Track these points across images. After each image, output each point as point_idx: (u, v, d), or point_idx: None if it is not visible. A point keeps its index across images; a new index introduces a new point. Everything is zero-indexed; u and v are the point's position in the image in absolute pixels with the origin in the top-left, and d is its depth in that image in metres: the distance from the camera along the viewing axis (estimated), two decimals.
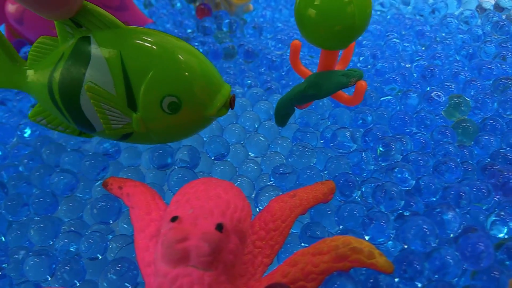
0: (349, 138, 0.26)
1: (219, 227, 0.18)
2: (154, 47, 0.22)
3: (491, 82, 0.31)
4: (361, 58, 0.34)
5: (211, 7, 0.42)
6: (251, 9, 0.42)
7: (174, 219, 0.18)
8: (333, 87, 0.23)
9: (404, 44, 0.36)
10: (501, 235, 0.22)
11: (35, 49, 0.25)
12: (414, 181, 0.24)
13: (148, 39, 0.22)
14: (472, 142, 0.28)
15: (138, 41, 0.22)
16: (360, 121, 0.29)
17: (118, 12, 0.39)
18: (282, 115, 0.27)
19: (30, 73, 0.25)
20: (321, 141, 0.28)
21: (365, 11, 0.21)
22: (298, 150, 0.26)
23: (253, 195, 0.25)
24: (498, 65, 0.32)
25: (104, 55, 0.22)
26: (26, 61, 0.25)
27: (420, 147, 0.27)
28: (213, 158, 0.27)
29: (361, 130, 0.28)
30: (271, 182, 0.25)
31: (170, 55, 0.22)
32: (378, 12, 0.42)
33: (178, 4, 0.44)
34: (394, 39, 0.35)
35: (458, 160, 0.26)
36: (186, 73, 0.22)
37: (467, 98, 0.29)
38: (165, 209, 0.21)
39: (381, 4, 0.42)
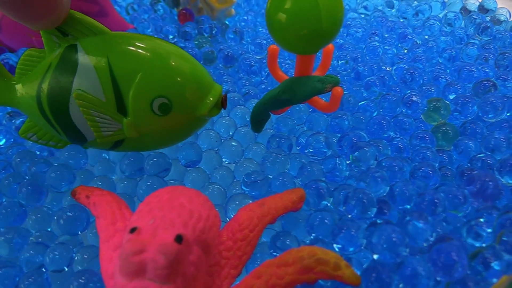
0: (323, 143, 0.26)
1: (178, 239, 0.17)
2: (140, 50, 0.22)
3: (471, 84, 0.30)
4: (340, 62, 0.34)
5: (193, 12, 0.42)
6: (233, 13, 0.41)
7: (133, 230, 0.18)
8: (307, 92, 0.23)
9: (385, 47, 0.35)
10: (477, 244, 0.21)
11: (23, 62, 0.24)
12: (388, 188, 0.23)
13: (134, 42, 0.22)
14: (452, 147, 0.27)
15: (125, 46, 0.22)
16: (337, 126, 0.28)
17: (97, 18, 0.38)
18: (257, 121, 0.26)
19: (18, 87, 0.25)
20: (297, 147, 0.28)
21: (335, 16, 0.20)
22: (271, 156, 0.25)
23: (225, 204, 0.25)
24: (479, 67, 0.31)
25: (92, 62, 0.22)
26: (14, 76, 0.25)
27: (397, 152, 0.26)
28: (184, 165, 0.26)
29: (338, 135, 0.27)
30: (243, 190, 0.25)
31: (157, 57, 0.22)
32: (362, 15, 0.42)
33: (161, 10, 0.44)
34: (376, 42, 0.35)
35: (436, 165, 0.25)
36: (175, 74, 0.22)
37: (446, 101, 0.28)
38: None
39: (365, 8, 0.42)
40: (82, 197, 0.23)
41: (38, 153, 0.29)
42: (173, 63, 0.22)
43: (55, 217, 0.24)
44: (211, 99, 0.23)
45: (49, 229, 0.25)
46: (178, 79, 0.22)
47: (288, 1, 0.20)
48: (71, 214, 0.24)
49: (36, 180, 0.26)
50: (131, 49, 0.22)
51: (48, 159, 0.28)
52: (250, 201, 0.23)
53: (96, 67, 0.22)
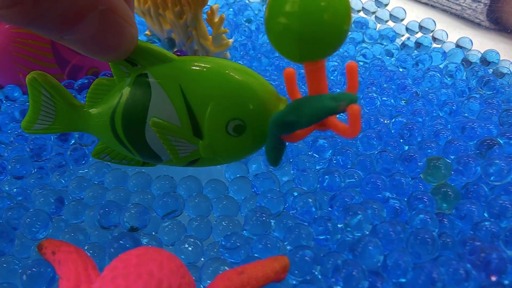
0: (312, 204, 0.24)
1: None
2: (212, 73, 0.22)
3: (474, 143, 0.29)
4: None
5: (188, 54, 0.41)
6: (228, 57, 0.41)
7: None
8: (316, 112, 0.19)
9: (383, 98, 0.34)
10: None
11: (93, 91, 0.25)
12: (382, 257, 0.21)
13: (204, 66, 0.22)
14: (453, 210, 0.25)
15: (195, 71, 0.22)
16: (327, 184, 0.26)
17: (84, 57, 0.38)
18: (270, 150, 0.23)
19: (89, 114, 0.25)
20: (285, 205, 0.26)
21: (341, 19, 0.18)
22: (254, 215, 0.23)
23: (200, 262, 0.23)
24: (482, 124, 0.30)
25: (165, 90, 0.22)
26: (84, 104, 0.25)
27: (393, 215, 0.24)
28: (161, 217, 0.24)
29: (330, 193, 0.26)
30: (221, 252, 0.23)
31: (229, 79, 0.22)
32: (361, 63, 0.41)
33: None
34: (373, 94, 0.33)
35: (436, 231, 0.23)
36: (247, 95, 0.22)
37: (447, 160, 0.27)
38: None
39: (364, 55, 0.41)
40: (48, 253, 0.22)
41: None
42: (244, 84, 0.22)
43: (20, 271, 0.23)
44: None
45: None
46: (251, 100, 0.22)
47: (288, 4, 0.18)
48: (35, 270, 0.22)
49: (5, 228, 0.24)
50: (202, 74, 0.22)
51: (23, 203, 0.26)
52: (227, 268, 0.21)
53: (169, 95, 0.22)
